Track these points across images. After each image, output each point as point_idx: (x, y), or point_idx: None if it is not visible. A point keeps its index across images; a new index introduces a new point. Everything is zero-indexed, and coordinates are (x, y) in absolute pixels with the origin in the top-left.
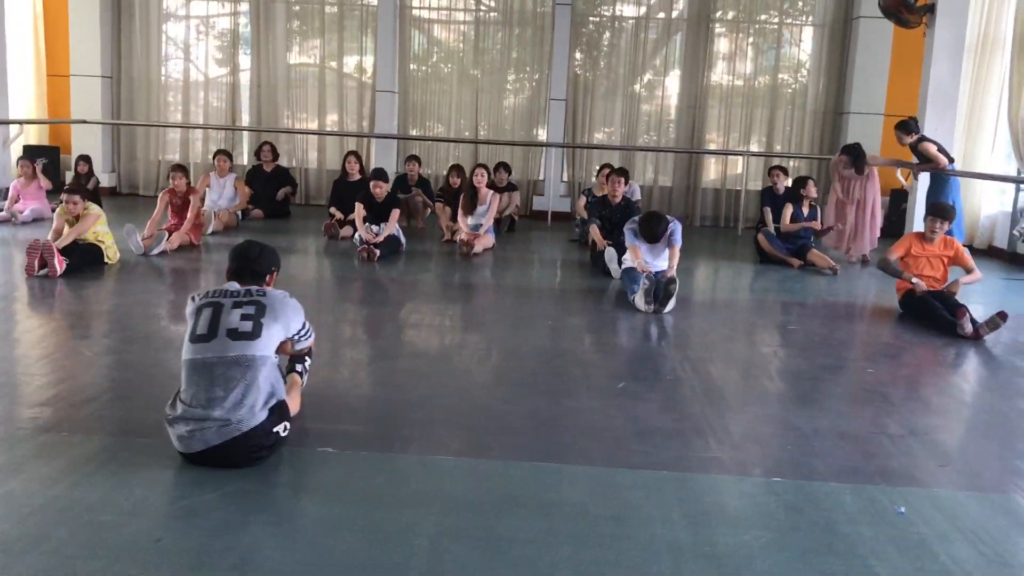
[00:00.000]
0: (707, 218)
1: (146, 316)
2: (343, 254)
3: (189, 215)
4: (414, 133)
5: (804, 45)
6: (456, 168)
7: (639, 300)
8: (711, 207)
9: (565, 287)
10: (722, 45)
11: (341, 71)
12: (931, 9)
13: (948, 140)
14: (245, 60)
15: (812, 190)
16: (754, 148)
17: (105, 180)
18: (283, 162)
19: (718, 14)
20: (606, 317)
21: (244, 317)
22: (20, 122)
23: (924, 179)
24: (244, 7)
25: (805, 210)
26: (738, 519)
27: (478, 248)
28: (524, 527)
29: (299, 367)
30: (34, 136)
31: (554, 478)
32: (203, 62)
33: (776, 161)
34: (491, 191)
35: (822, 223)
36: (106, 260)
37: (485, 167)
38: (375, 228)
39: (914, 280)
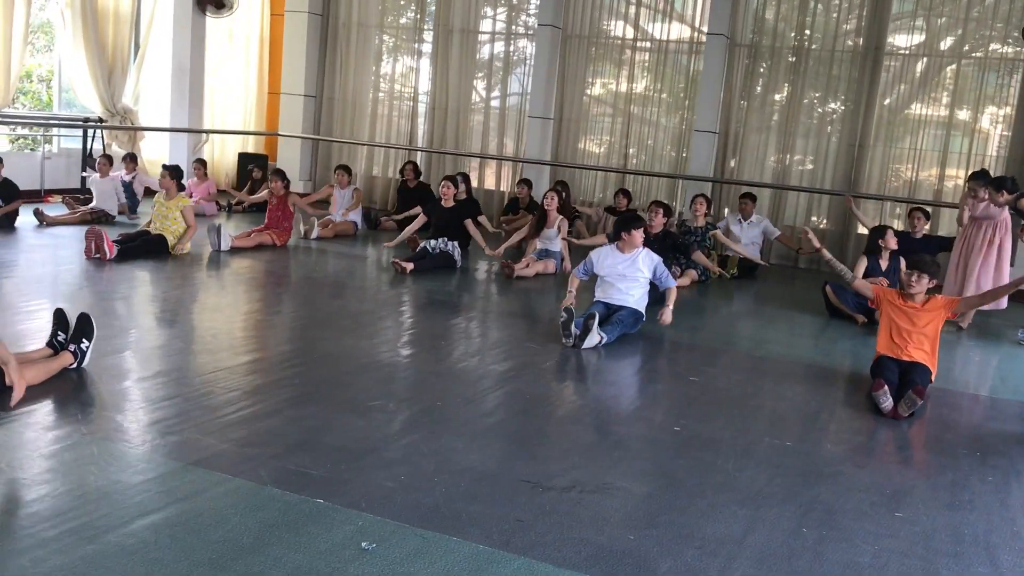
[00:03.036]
0: None
1: (115, 301)
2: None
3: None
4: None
5: (990, 80)
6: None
7: (561, 332)
8: None
9: (532, 315)
10: (892, 78)
11: (505, 98)
12: None
13: None
14: (424, 87)
15: (892, 241)
16: (920, 195)
17: (301, 187)
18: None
19: (889, 44)
20: (505, 344)
21: None
22: (205, 131)
23: None
24: (427, 45)
25: (883, 263)
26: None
27: (529, 272)
28: None
29: (72, 347)
30: (252, 146)
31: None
32: (389, 87)
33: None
34: (560, 216)
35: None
36: (170, 250)
37: (558, 191)
38: (432, 243)
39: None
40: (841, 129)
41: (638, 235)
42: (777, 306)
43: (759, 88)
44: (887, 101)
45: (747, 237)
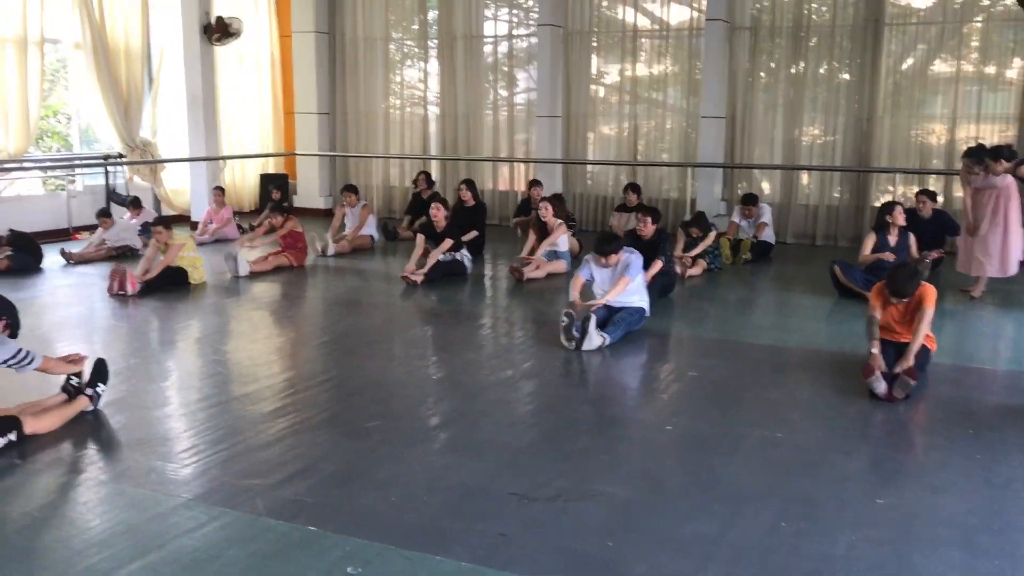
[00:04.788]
0: None
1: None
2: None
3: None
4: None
5: (993, 49)
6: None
7: (562, 336)
8: None
9: (539, 320)
10: (894, 52)
11: (512, 96)
12: None
13: None
14: (433, 95)
15: (900, 217)
16: (932, 160)
17: (321, 203)
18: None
19: (891, 11)
20: (509, 352)
21: None
22: (223, 158)
23: None
24: (433, 51)
25: (892, 239)
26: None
27: (540, 274)
28: None
29: (90, 391)
30: (272, 166)
31: None
32: (399, 99)
33: (931, 183)
34: (559, 221)
35: (919, 251)
36: (191, 280)
37: (551, 200)
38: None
39: (873, 351)
40: (848, 102)
41: (613, 259)
42: (787, 289)
43: (763, 69)
44: (898, 68)
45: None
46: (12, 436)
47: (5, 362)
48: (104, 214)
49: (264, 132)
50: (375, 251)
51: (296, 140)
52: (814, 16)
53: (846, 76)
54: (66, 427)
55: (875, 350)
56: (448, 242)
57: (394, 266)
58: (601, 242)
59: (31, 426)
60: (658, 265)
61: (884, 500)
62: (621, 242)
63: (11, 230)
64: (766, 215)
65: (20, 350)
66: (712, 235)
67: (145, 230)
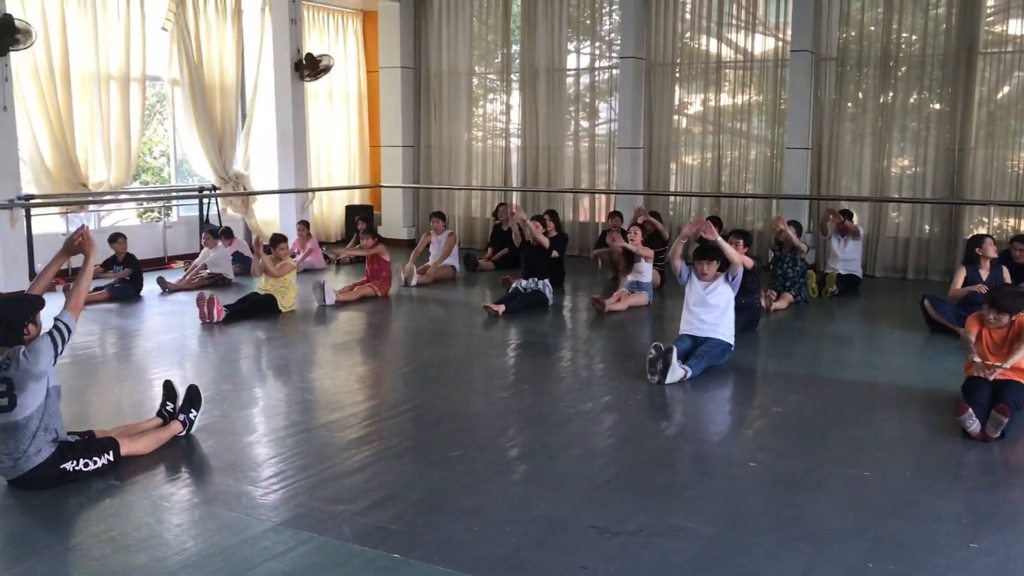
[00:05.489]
0: None
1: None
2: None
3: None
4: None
5: None
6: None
7: (647, 368)
8: None
9: (620, 352)
10: (988, 80)
11: (594, 127)
12: None
13: None
14: (515, 128)
15: (990, 250)
16: None
17: (404, 233)
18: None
19: (982, 44)
20: (591, 384)
21: (0, 394)
22: (311, 190)
23: None
24: (515, 84)
25: (984, 273)
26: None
27: (622, 306)
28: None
29: (182, 416)
30: (357, 198)
31: None
32: (482, 131)
33: None
34: (647, 249)
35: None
36: (280, 308)
37: (641, 224)
38: (523, 283)
39: (976, 359)
40: (939, 132)
41: (712, 268)
42: (875, 324)
43: (850, 99)
44: (993, 96)
45: (848, 251)
46: (110, 456)
47: (59, 354)
48: (212, 234)
49: (351, 165)
50: (456, 282)
51: (381, 172)
52: (903, 45)
53: (937, 106)
54: (160, 451)
55: (976, 358)
56: (544, 238)
57: (475, 297)
58: (701, 252)
59: (127, 447)
60: (749, 262)
61: (978, 544)
62: (721, 256)
63: (128, 253)
64: (857, 244)
65: (51, 335)
66: (805, 248)
67: (237, 259)
